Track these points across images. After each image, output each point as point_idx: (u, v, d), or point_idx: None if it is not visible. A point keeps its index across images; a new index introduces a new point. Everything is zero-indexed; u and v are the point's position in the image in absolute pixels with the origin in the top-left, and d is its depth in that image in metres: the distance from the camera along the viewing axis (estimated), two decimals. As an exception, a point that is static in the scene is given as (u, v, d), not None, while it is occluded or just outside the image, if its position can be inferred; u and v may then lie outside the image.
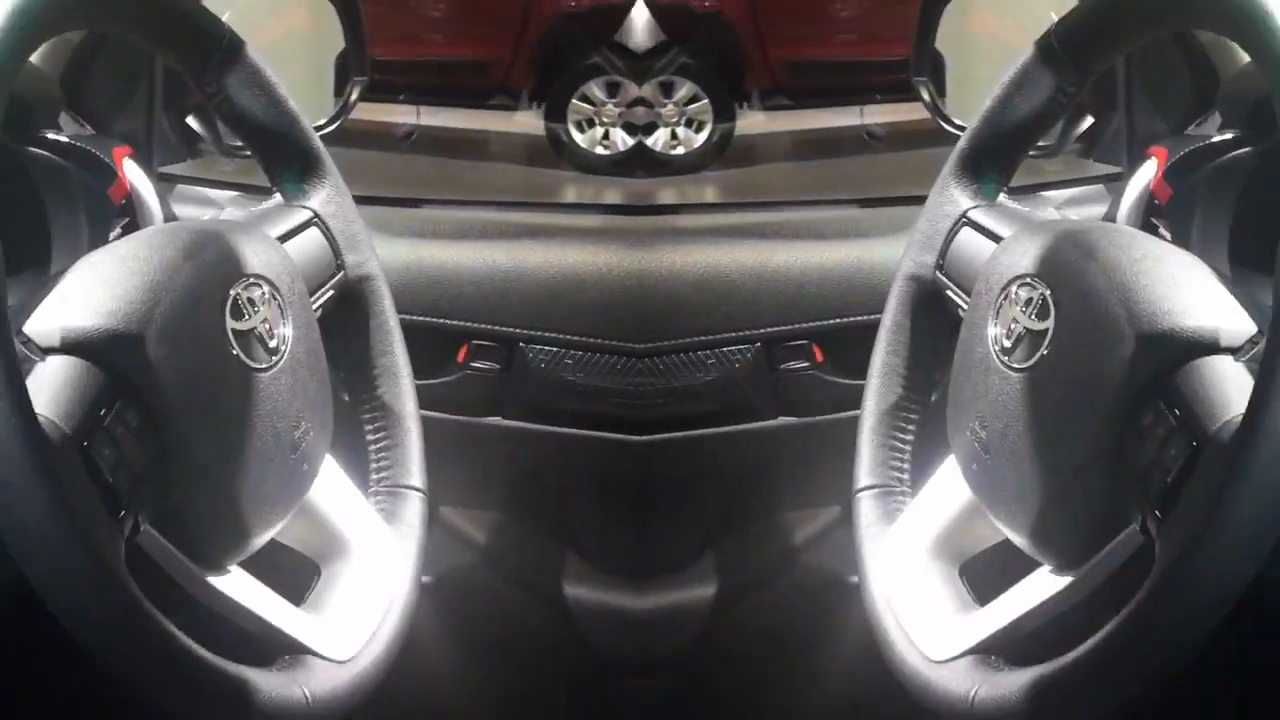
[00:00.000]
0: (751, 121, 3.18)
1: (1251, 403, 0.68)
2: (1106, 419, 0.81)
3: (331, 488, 1.01)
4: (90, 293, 0.81)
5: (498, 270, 1.40)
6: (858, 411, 1.12)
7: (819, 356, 1.40)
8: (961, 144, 1.07)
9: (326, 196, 1.06)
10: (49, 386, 0.75)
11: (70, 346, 0.78)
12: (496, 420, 1.43)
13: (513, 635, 1.51)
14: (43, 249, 1.17)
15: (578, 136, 2.26)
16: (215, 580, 0.86)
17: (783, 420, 1.42)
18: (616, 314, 1.39)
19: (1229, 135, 1.27)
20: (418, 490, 1.09)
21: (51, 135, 1.27)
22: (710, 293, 1.39)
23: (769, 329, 1.39)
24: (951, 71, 1.56)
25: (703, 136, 2.30)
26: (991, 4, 1.61)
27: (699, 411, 1.41)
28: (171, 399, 0.80)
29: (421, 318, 1.38)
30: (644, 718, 1.47)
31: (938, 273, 1.06)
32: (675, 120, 2.26)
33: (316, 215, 1.05)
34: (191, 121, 1.57)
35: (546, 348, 1.39)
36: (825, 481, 1.39)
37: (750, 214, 1.53)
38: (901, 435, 1.08)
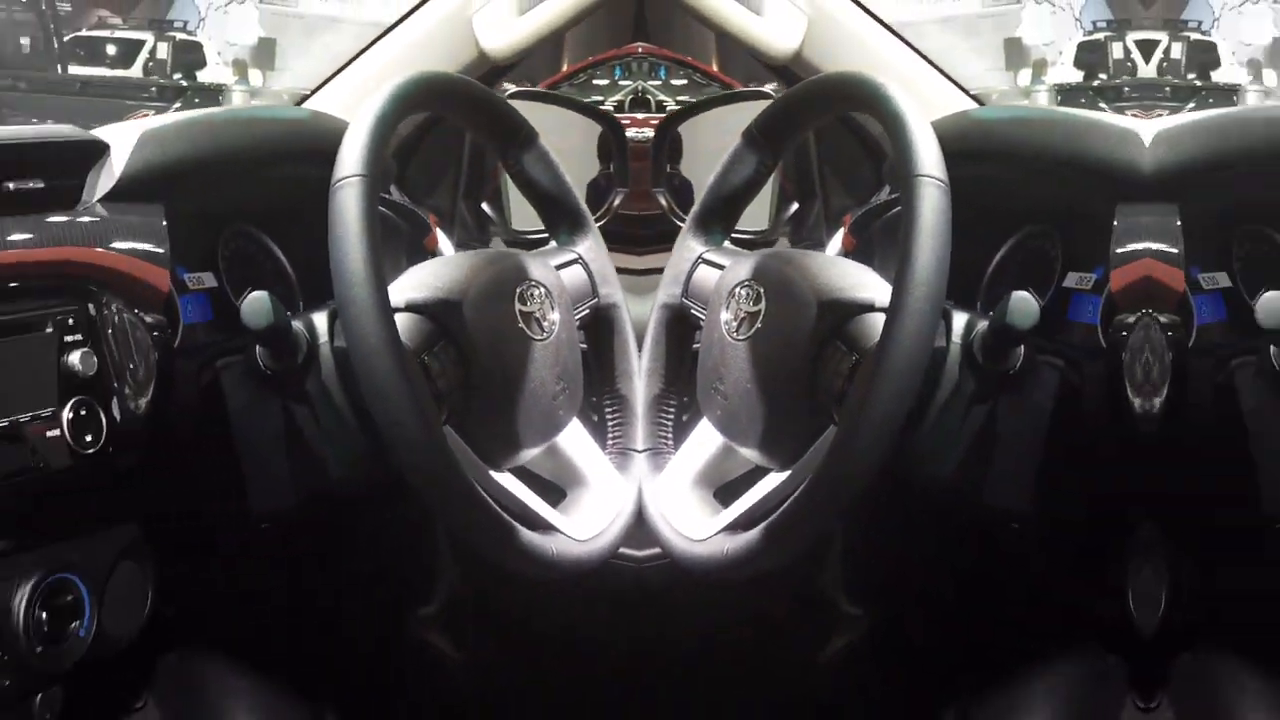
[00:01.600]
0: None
1: (883, 330, 1.02)
2: (803, 358, 1.14)
3: (578, 440, 1.32)
4: (425, 278, 1.16)
5: None
6: None
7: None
8: (695, 208, 1.39)
9: (589, 246, 1.38)
10: (400, 329, 1.04)
11: (412, 307, 1.14)
12: None
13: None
14: None
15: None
16: (493, 474, 1.16)
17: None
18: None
19: (892, 196, 1.55)
20: (640, 452, 1.37)
21: (386, 196, 1.55)
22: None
23: None
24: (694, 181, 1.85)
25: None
26: (714, 124, 1.86)
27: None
28: (476, 346, 1.14)
29: None
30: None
31: (683, 298, 1.36)
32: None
33: (581, 257, 1.37)
34: (485, 207, 1.87)
35: None
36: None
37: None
38: (665, 415, 1.38)
